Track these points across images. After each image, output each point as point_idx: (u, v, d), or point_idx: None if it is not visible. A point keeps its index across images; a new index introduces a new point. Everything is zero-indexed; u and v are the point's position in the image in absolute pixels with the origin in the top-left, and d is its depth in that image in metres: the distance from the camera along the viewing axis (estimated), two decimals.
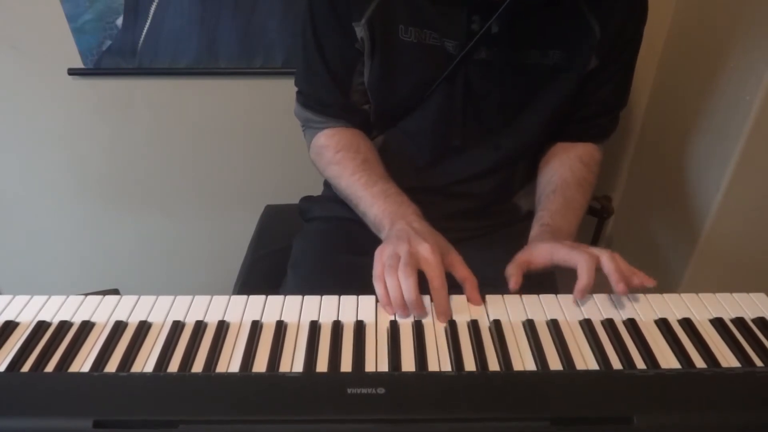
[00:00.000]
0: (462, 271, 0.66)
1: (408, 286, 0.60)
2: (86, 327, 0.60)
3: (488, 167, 0.87)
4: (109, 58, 1.15)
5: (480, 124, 0.83)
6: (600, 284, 0.66)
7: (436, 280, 0.62)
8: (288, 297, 0.65)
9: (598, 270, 0.64)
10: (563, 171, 0.84)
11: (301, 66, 0.84)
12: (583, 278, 0.62)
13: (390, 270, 0.62)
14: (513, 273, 0.67)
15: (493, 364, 0.56)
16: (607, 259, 0.63)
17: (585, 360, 0.57)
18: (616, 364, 0.56)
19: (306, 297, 0.65)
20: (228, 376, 0.52)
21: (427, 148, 0.86)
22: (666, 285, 1.17)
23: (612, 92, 0.84)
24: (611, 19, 0.75)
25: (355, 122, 0.86)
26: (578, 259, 0.63)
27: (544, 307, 0.64)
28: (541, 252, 0.68)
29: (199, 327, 0.60)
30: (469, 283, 0.65)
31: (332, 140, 0.84)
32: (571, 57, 0.77)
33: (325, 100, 0.83)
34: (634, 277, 0.63)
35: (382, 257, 0.65)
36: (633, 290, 0.63)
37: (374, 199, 0.76)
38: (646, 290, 0.64)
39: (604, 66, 0.79)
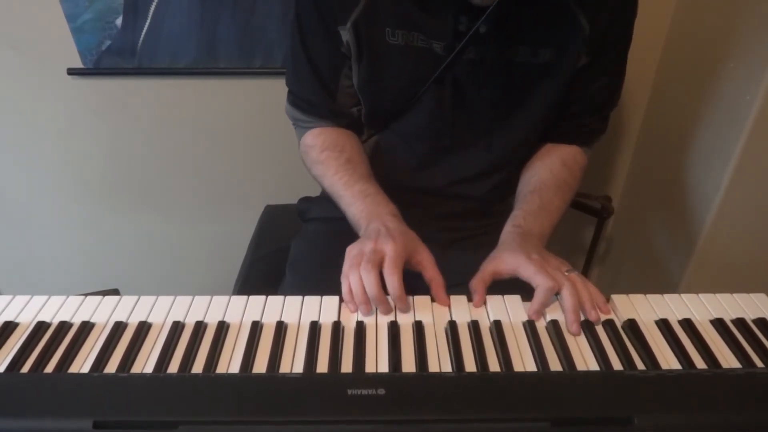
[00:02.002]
0: (430, 272, 0.67)
1: (369, 281, 0.61)
2: (86, 327, 0.60)
3: (482, 169, 0.87)
4: (108, 58, 1.15)
5: (471, 125, 0.82)
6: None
7: (392, 280, 0.62)
8: (288, 297, 0.65)
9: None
10: (543, 172, 0.84)
11: (290, 67, 0.84)
12: (535, 305, 0.63)
13: (353, 268, 0.63)
14: (477, 289, 0.66)
15: (494, 365, 0.56)
16: (567, 294, 0.63)
17: (585, 361, 0.57)
18: (617, 364, 0.57)
19: (306, 297, 0.65)
20: (228, 377, 0.52)
21: (419, 149, 0.86)
22: (666, 285, 1.17)
23: (601, 90, 0.83)
24: (600, 14, 0.74)
25: (342, 123, 0.86)
26: (539, 283, 0.63)
27: None
28: (508, 264, 0.68)
29: (199, 327, 0.60)
30: (435, 283, 0.66)
31: (318, 140, 0.84)
32: (561, 54, 0.76)
33: (312, 101, 0.83)
34: (593, 311, 0.63)
35: (349, 256, 0.66)
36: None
37: (353, 199, 0.77)
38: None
39: (594, 62, 0.78)
